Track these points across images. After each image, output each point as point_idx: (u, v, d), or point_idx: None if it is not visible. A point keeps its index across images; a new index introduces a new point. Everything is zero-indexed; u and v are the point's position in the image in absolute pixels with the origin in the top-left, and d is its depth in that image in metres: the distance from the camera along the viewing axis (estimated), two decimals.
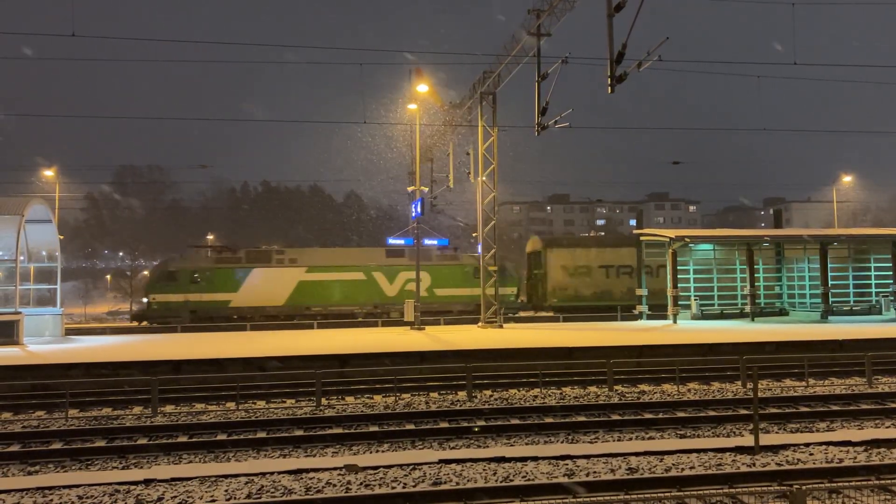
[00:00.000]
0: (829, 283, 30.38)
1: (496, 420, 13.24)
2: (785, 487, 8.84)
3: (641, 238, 32.81)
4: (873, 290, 32.65)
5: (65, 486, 9.25)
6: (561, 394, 15.91)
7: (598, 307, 35.72)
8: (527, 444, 11.71)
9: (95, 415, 14.32)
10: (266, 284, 34.64)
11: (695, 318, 30.60)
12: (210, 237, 74.34)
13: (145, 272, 66.09)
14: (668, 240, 30.27)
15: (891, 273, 32.15)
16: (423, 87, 28.70)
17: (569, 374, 17.69)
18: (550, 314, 36.00)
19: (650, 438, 11.96)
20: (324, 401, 15.05)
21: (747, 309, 30.87)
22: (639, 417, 13.29)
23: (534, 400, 15.06)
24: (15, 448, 11.66)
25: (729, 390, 16.18)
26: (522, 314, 37.00)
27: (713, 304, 32.11)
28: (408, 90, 31.33)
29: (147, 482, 9.48)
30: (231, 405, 15.07)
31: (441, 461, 10.25)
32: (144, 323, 34.17)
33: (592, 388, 16.62)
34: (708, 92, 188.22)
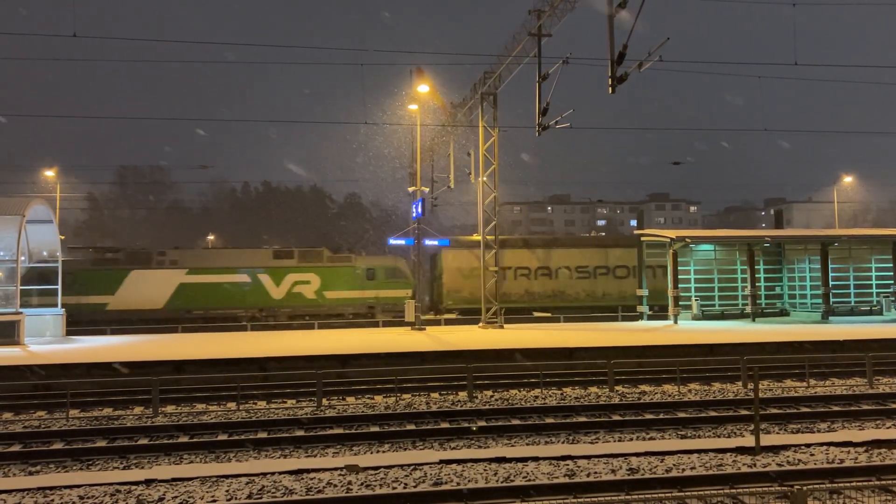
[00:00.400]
0: (830, 283, 30.36)
1: (497, 420, 13.25)
2: (786, 488, 8.84)
3: (642, 238, 32.83)
4: (874, 290, 32.64)
5: (66, 487, 9.26)
6: (562, 394, 15.91)
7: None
8: (527, 444, 11.72)
9: (96, 415, 14.33)
10: (145, 287, 33.47)
11: (695, 318, 30.60)
12: (211, 237, 74.41)
13: None
14: (668, 240, 30.27)
15: (892, 274, 32.13)
16: (423, 88, 28.70)
17: (569, 374, 17.70)
18: (453, 315, 34.84)
19: (651, 439, 11.96)
20: (325, 401, 15.06)
21: (748, 309, 30.86)
22: (640, 418, 13.29)
23: (534, 400, 15.06)
24: (16, 448, 11.67)
25: (730, 391, 16.18)
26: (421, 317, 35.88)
27: (714, 305, 32.11)
28: (409, 90, 31.37)
29: (148, 482, 9.49)
30: (232, 405, 15.08)
31: (442, 461, 10.25)
32: None
33: (593, 389, 16.62)
34: (709, 92, 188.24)
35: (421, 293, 31.94)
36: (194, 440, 12.03)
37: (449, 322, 32.47)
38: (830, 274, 30.52)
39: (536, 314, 34.66)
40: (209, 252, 40.73)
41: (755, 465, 10.06)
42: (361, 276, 35.27)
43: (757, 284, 31.54)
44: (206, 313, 33.64)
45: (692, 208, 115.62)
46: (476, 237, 32.19)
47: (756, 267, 31.59)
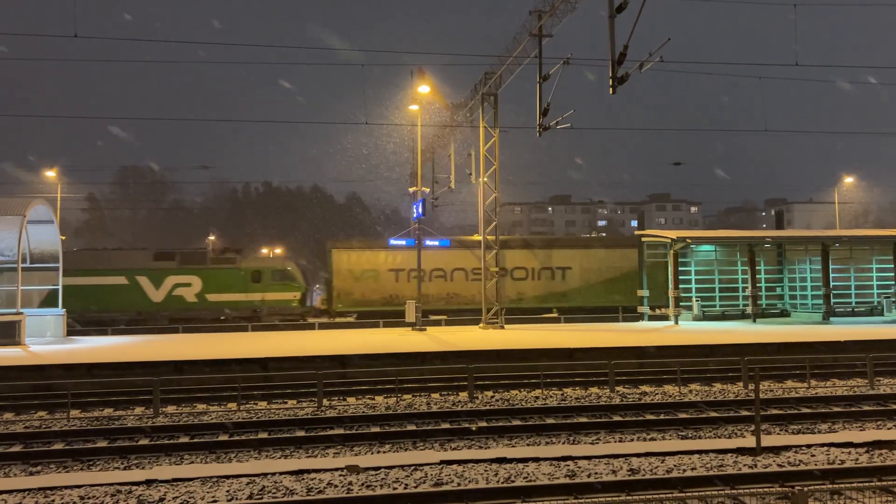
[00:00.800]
0: (831, 284, 30.35)
1: (497, 421, 13.24)
2: (787, 489, 8.85)
3: (643, 239, 32.85)
4: (875, 291, 32.63)
5: (66, 487, 9.27)
6: (562, 395, 15.91)
7: (387, 312, 32.97)
8: (528, 445, 11.72)
9: (97, 415, 14.34)
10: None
11: (696, 319, 30.60)
12: (211, 238, 74.40)
13: None
14: (669, 241, 30.27)
15: (892, 274, 32.12)
16: (424, 88, 28.72)
17: (570, 374, 17.70)
18: (351, 319, 33.88)
19: (652, 439, 11.96)
20: (325, 401, 15.06)
21: (749, 310, 30.84)
22: (640, 418, 13.29)
23: (535, 401, 15.06)
24: (17, 448, 11.68)
25: (731, 391, 16.17)
26: (312, 319, 34.45)
27: (715, 306, 32.10)
28: (410, 91, 31.35)
29: (148, 482, 9.50)
30: (233, 405, 15.08)
31: (442, 462, 10.25)
32: None
33: (594, 389, 16.62)
34: (709, 93, 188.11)
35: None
36: (195, 440, 12.04)
37: (450, 322, 32.45)
38: (831, 275, 30.51)
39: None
40: (87, 253, 38.63)
41: (756, 465, 10.06)
42: (246, 278, 34.15)
43: (758, 285, 31.53)
44: (81, 316, 32.25)
45: (693, 209, 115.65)
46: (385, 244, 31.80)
47: (757, 268, 31.58)
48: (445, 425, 12.89)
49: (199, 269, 33.74)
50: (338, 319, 33.76)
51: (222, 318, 33.53)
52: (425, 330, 27.36)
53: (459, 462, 10.26)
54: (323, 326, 31.55)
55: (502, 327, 28.23)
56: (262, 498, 8.83)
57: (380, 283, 34.91)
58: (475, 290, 34.17)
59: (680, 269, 30.52)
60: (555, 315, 33.72)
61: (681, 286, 30.26)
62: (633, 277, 34.17)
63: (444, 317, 32.85)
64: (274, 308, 34.22)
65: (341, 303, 34.81)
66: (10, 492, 9.05)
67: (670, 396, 15.56)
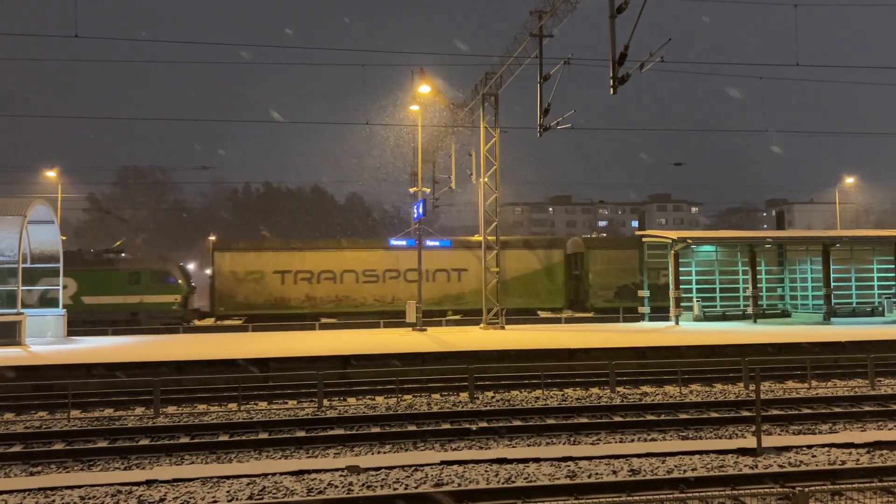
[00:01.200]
0: (832, 284, 30.34)
1: (498, 421, 13.24)
2: (787, 489, 8.85)
3: (644, 239, 32.85)
4: (876, 291, 32.62)
5: (67, 487, 9.27)
6: (563, 395, 15.90)
7: (274, 316, 32.63)
8: (528, 445, 11.72)
9: (97, 415, 14.34)
10: None
11: (697, 319, 30.59)
12: (211, 238, 74.38)
13: None
14: (670, 241, 30.26)
15: (893, 275, 32.10)
16: (425, 88, 28.72)
17: (571, 375, 17.70)
18: (238, 323, 32.78)
19: (652, 440, 11.95)
20: (326, 402, 15.05)
21: (749, 310, 30.83)
22: (641, 419, 13.28)
23: (535, 401, 15.05)
24: (17, 448, 11.67)
25: (731, 392, 16.16)
26: (199, 323, 33.95)
27: (715, 306, 32.10)
28: (410, 91, 31.37)
29: (149, 483, 9.49)
30: (233, 406, 15.08)
31: (443, 462, 10.25)
32: None
33: (594, 390, 16.61)
34: (710, 93, 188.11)
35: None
36: (195, 440, 12.03)
37: (450, 323, 32.47)
38: (832, 275, 30.50)
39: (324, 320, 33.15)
40: None
41: (757, 466, 10.05)
42: (124, 279, 33.12)
43: (758, 285, 31.52)
44: None
45: (694, 209, 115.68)
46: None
47: (758, 268, 31.57)
48: (446, 426, 12.89)
49: (75, 270, 32.28)
50: (230, 323, 32.73)
51: (99, 321, 32.04)
52: (426, 330, 27.37)
53: (460, 462, 10.26)
54: (323, 327, 31.56)
55: (503, 328, 28.23)
56: (262, 498, 8.83)
57: (264, 285, 33.81)
58: (366, 293, 34.08)
59: (681, 269, 30.51)
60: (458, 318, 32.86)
61: (681, 286, 30.26)
62: (541, 279, 33.86)
63: (335, 320, 32.16)
64: (153, 310, 33.07)
65: (223, 305, 33.61)
66: (10, 492, 9.05)
67: (671, 397, 15.56)
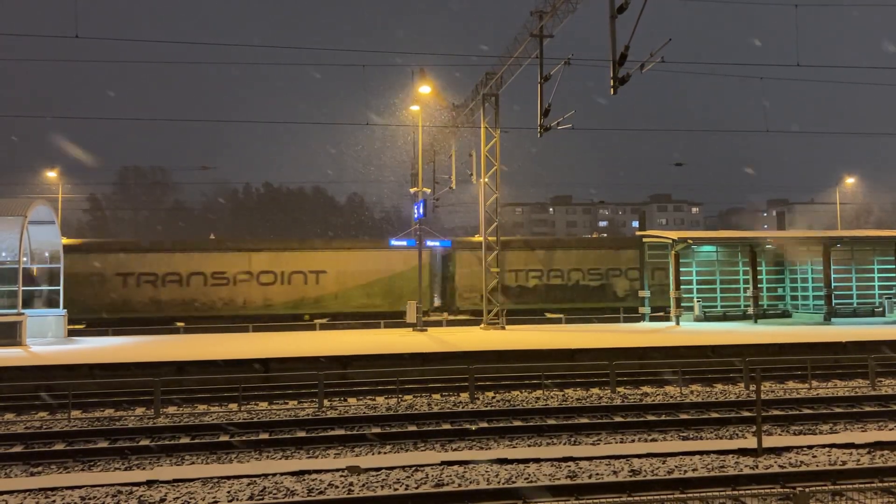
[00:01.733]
0: (833, 284, 30.33)
1: (498, 422, 13.23)
2: (788, 489, 8.85)
3: (644, 240, 32.85)
4: (876, 291, 32.61)
5: (67, 487, 9.27)
6: (563, 395, 15.89)
7: (114, 321, 30.56)
8: (529, 445, 11.71)
9: (98, 416, 14.34)
10: None
11: (697, 319, 30.58)
12: (212, 238, 74.37)
13: None
14: (670, 241, 30.25)
15: (894, 275, 32.07)
16: (425, 89, 28.70)
17: (571, 375, 17.69)
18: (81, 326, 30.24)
19: (653, 440, 11.95)
20: (326, 402, 15.05)
21: (750, 311, 30.82)
22: (641, 419, 13.27)
23: (536, 402, 15.04)
24: (18, 449, 11.68)
25: (732, 392, 16.15)
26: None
27: (716, 306, 32.09)
28: (411, 91, 31.37)
29: (149, 483, 9.50)
30: (234, 406, 15.08)
31: (443, 463, 10.25)
32: None
33: (595, 390, 16.61)
34: (711, 93, 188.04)
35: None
36: (196, 441, 12.03)
37: (450, 323, 32.44)
38: (833, 275, 30.48)
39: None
40: None
41: (757, 466, 10.04)
42: None
43: (759, 286, 31.51)
44: None
45: (694, 209, 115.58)
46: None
47: (758, 268, 31.56)
48: (446, 426, 12.89)
49: None
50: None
51: None
52: (426, 330, 27.37)
53: (460, 463, 10.26)
54: (324, 327, 31.49)
55: (503, 328, 28.22)
56: (262, 498, 8.83)
57: (105, 288, 31.91)
58: (214, 297, 32.56)
59: (681, 269, 30.51)
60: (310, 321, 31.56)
61: (682, 287, 30.26)
62: (397, 282, 33.06)
63: (182, 325, 30.48)
64: None
65: (77, 308, 30.09)
66: (11, 492, 9.05)
67: (671, 397, 15.55)
